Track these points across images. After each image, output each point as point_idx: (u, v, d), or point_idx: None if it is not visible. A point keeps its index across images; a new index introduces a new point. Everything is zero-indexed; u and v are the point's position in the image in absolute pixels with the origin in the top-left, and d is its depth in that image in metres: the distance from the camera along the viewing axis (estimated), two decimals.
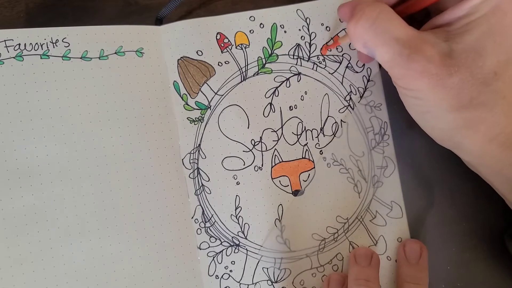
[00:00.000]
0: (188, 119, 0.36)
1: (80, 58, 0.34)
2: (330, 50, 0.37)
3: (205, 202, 0.36)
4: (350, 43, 0.37)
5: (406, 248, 0.36)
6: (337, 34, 0.37)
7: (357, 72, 0.37)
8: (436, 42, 0.29)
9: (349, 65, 0.37)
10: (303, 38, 0.37)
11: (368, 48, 0.31)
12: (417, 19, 0.33)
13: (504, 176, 0.30)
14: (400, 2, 0.32)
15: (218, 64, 0.36)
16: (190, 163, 0.36)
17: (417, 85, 0.29)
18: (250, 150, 0.36)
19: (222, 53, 0.36)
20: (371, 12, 0.30)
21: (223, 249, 0.35)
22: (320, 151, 0.37)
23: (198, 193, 0.36)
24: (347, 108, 0.37)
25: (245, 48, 0.37)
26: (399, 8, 0.32)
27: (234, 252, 0.35)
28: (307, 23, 0.37)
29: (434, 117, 0.30)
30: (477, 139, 0.29)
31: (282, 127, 0.37)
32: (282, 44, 0.37)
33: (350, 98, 0.37)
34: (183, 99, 0.36)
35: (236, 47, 0.37)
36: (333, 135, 0.37)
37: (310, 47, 0.37)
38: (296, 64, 0.37)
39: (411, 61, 0.28)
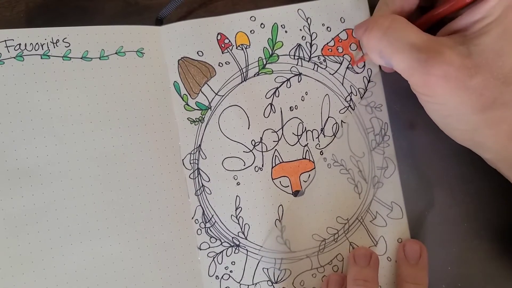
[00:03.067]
0: (189, 120, 0.36)
1: (81, 58, 0.34)
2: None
3: (206, 203, 0.36)
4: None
5: (406, 248, 0.36)
6: (338, 35, 0.37)
7: (357, 73, 0.37)
8: (453, 46, 0.28)
9: (350, 66, 0.37)
10: (304, 38, 0.37)
11: (384, 58, 0.31)
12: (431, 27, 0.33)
13: None
14: (416, 15, 0.32)
15: (219, 65, 0.36)
16: (190, 163, 0.36)
17: (438, 90, 0.29)
18: (251, 151, 0.36)
19: (222, 53, 0.36)
20: (383, 21, 0.30)
21: (223, 250, 0.35)
22: (321, 151, 0.37)
23: (199, 194, 0.36)
24: (347, 108, 0.37)
25: (245, 48, 0.37)
26: (417, 22, 0.32)
27: (234, 252, 0.35)
28: (308, 23, 0.37)
29: (456, 120, 0.30)
30: (498, 138, 0.29)
31: (282, 127, 0.37)
32: (283, 44, 0.37)
33: (351, 98, 0.37)
34: (183, 100, 0.36)
35: (236, 48, 0.36)
36: (333, 136, 0.37)
37: (311, 47, 0.37)
38: (296, 65, 0.37)
39: (429, 66, 0.28)
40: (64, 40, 0.34)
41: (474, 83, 0.28)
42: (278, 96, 0.37)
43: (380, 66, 0.37)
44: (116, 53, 0.35)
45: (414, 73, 0.29)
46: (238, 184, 0.36)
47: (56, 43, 0.34)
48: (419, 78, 0.29)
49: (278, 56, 0.37)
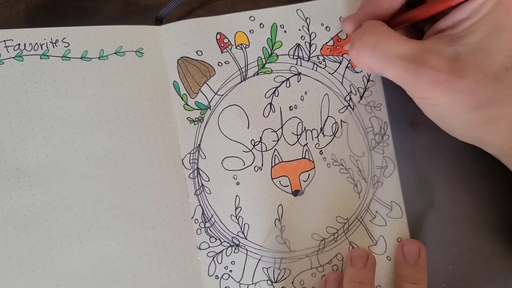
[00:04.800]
0: (188, 119, 0.36)
1: (80, 58, 0.34)
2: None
3: (205, 202, 0.36)
4: None
5: (404, 248, 0.35)
6: (337, 34, 0.37)
7: (357, 72, 0.37)
8: (440, 49, 0.29)
9: (349, 65, 0.37)
10: (303, 38, 0.37)
11: (375, 72, 0.32)
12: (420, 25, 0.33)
13: None
14: (398, 12, 0.32)
15: (218, 64, 0.36)
16: (190, 163, 0.36)
17: (431, 94, 0.29)
18: (250, 150, 0.36)
19: (222, 53, 0.36)
20: (368, 39, 0.31)
21: (223, 249, 0.35)
22: (320, 151, 0.37)
23: (198, 193, 0.36)
24: (347, 108, 0.37)
25: (245, 48, 0.37)
26: (403, 18, 0.32)
27: (234, 252, 0.35)
28: (307, 23, 0.37)
29: (453, 119, 0.30)
30: (498, 133, 0.29)
31: (282, 127, 0.37)
32: (282, 44, 0.37)
33: (350, 98, 0.37)
34: (183, 99, 0.36)
35: (236, 47, 0.36)
36: (333, 135, 0.37)
37: (310, 47, 0.37)
38: (296, 64, 0.37)
39: (419, 75, 0.29)
40: (63, 40, 0.34)
41: (464, 84, 0.28)
42: (277, 96, 0.37)
43: None
44: (115, 53, 0.35)
45: (406, 83, 0.30)
46: (237, 183, 0.36)
47: (55, 43, 0.34)
48: (411, 86, 0.30)
49: (277, 55, 0.37)
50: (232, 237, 0.36)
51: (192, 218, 0.35)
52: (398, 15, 0.32)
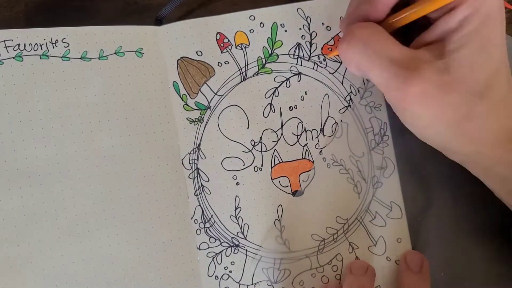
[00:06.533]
0: (188, 120, 0.36)
1: (80, 58, 0.34)
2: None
3: (205, 203, 0.36)
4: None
5: (407, 258, 0.35)
6: (337, 34, 0.37)
7: None
8: (431, 61, 0.28)
9: None
10: (303, 37, 0.37)
11: (361, 70, 0.30)
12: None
13: (494, 172, 0.30)
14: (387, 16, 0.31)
15: (218, 64, 0.36)
16: (189, 163, 0.36)
17: (414, 107, 0.29)
18: (250, 151, 0.36)
19: (222, 53, 0.36)
20: (362, 33, 0.29)
21: (222, 250, 0.35)
22: (320, 151, 0.37)
23: (198, 194, 0.36)
24: (347, 108, 0.37)
25: (245, 48, 0.36)
26: (385, 23, 0.31)
27: (233, 252, 0.36)
28: (308, 22, 0.37)
29: (431, 131, 0.30)
30: (471, 144, 0.29)
31: (282, 127, 0.36)
32: (282, 44, 0.37)
33: (350, 98, 0.37)
34: (182, 100, 0.36)
35: (236, 47, 0.36)
36: (333, 136, 0.37)
37: (310, 46, 0.37)
38: (296, 64, 0.37)
39: (408, 84, 0.28)
40: (63, 40, 0.34)
41: (450, 99, 0.27)
42: (277, 96, 0.37)
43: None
44: (115, 53, 0.35)
45: (392, 90, 0.29)
46: (237, 184, 0.36)
47: (55, 43, 0.34)
48: (396, 95, 0.29)
49: (277, 55, 0.37)
50: (232, 238, 0.36)
51: (191, 218, 0.35)
52: (386, 19, 0.31)
